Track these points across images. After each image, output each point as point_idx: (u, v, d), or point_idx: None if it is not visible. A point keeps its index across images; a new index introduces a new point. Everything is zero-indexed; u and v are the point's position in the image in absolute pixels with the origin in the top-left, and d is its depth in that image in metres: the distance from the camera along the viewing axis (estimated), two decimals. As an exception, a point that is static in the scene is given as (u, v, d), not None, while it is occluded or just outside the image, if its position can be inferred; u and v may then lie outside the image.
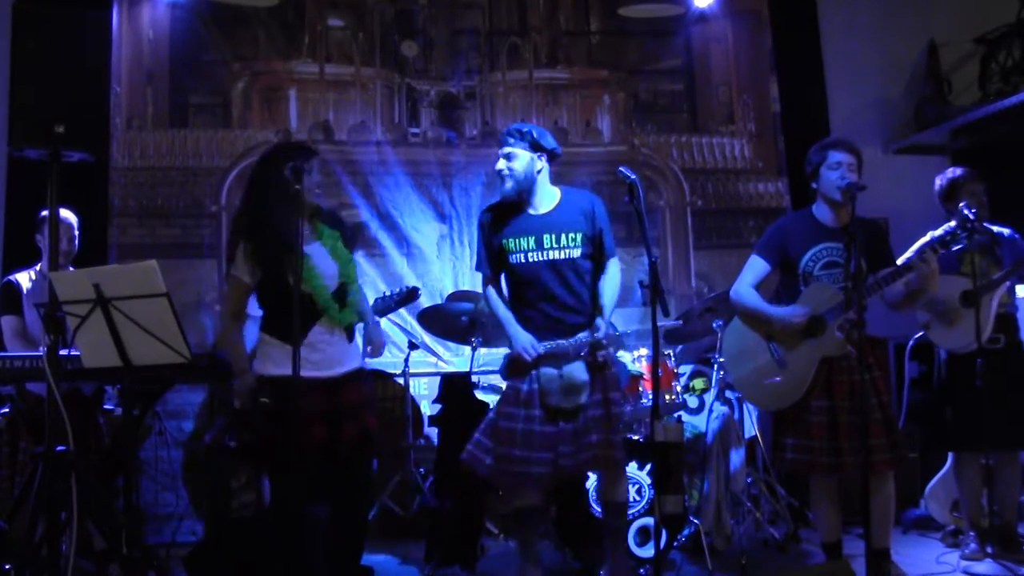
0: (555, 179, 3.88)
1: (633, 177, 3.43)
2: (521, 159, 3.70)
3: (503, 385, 4.92)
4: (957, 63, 6.31)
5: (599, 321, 3.72)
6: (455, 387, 4.69)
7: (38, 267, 4.46)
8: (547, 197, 3.78)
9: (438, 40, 6.18)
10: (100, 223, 5.51)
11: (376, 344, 3.77)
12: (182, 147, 5.81)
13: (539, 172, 3.73)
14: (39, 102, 3.48)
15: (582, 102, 6.29)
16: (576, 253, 3.72)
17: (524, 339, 3.68)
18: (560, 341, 3.68)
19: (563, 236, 3.71)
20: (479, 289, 5.46)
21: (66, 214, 4.36)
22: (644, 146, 6.28)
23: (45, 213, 4.42)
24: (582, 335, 3.69)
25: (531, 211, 3.76)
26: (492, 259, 3.80)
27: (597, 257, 3.79)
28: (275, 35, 5.99)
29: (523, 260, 3.71)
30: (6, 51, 3.62)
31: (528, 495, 3.78)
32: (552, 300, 3.71)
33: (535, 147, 3.71)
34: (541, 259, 3.71)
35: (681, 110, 6.41)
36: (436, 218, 5.98)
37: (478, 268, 3.92)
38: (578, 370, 3.66)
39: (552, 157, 3.77)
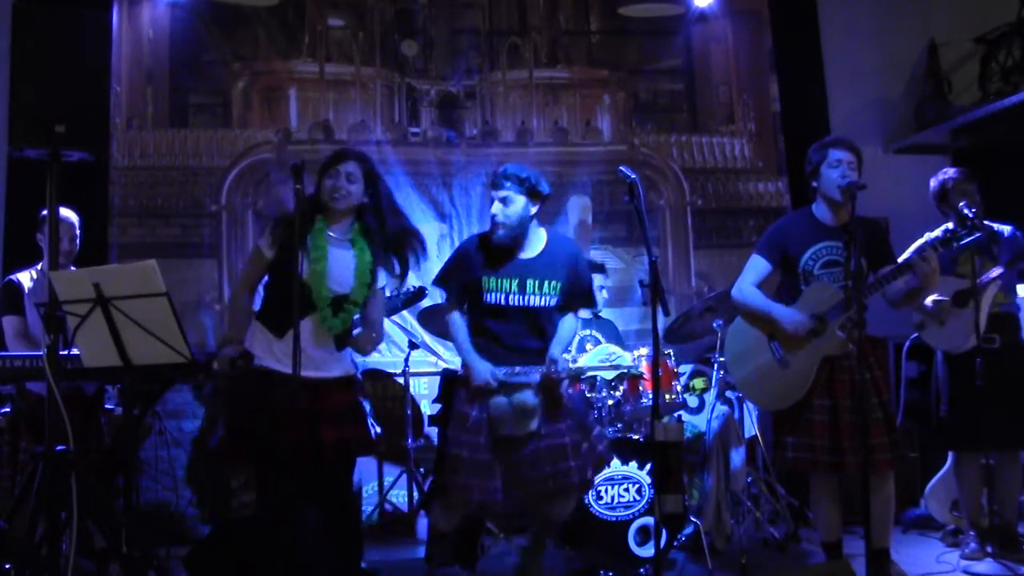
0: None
1: (633, 177, 3.43)
2: (516, 204, 3.68)
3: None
4: (957, 63, 6.31)
5: (554, 353, 3.72)
6: (455, 387, 4.68)
7: (39, 266, 4.45)
8: (535, 241, 3.78)
9: (438, 40, 6.18)
10: (100, 222, 5.50)
11: (364, 341, 3.71)
12: (182, 147, 5.81)
13: (532, 217, 3.74)
14: (39, 101, 3.47)
15: (582, 102, 6.29)
16: (552, 302, 3.75)
17: (484, 370, 3.65)
18: (517, 367, 3.67)
19: (545, 283, 3.72)
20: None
21: (67, 213, 4.36)
22: (644, 146, 6.27)
23: (46, 212, 4.41)
24: (535, 370, 3.69)
25: (518, 253, 3.75)
26: (462, 288, 3.78)
27: (567, 306, 3.82)
28: (275, 35, 6.00)
29: (502, 301, 3.70)
30: (6, 50, 3.61)
31: (452, 519, 3.76)
32: (516, 338, 3.72)
33: (531, 194, 3.70)
34: (520, 303, 3.71)
35: (681, 110, 6.41)
36: (436, 218, 5.98)
37: (440, 284, 3.87)
38: (527, 395, 3.65)
39: (544, 201, 3.79)
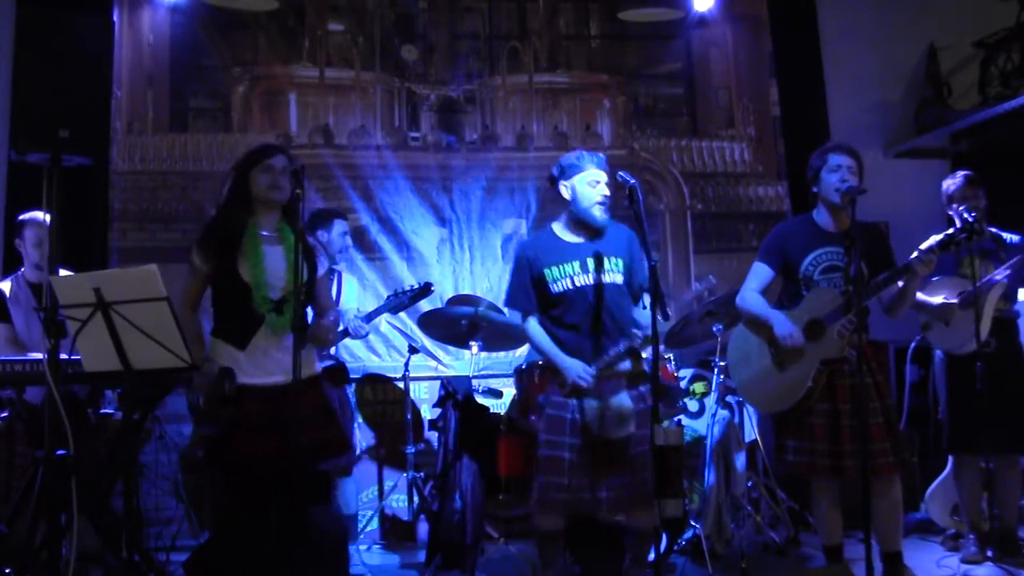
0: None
1: (633, 181, 3.44)
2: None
3: (507, 392, 4.92)
4: (957, 67, 6.31)
5: (635, 331, 3.69)
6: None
7: (21, 272, 4.41)
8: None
9: (438, 44, 6.19)
10: (100, 227, 5.51)
11: (320, 332, 3.61)
12: (182, 151, 5.82)
13: None
14: (41, 106, 3.47)
15: (582, 106, 6.30)
16: (620, 279, 3.76)
17: (576, 367, 3.65)
18: (603, 356, 3.67)
19: (607, 259, 3.74)
20: (480, 293, 5.48)
21: (42, 216, 4.22)
22: (644, 150, 6.28)
23: (22, 217, 4.38)
24: (621, 343, 3.68)
25: (575, 237, 3.79)
26: (532, 290, 3.78)
27: (632, 286, 3.83)
28: (275, 39, 6.00)
29: (570, 285, 3.72)
30: (9, 56, 3.62)
31: (558, 520, 3.76)
32: (592, 321, 3.71)
33: None
34: (587, 283, 3.73)
35: (681, 114, 6.42)
36: (436, 222, 5.98)
37: (511, 304, 3.86)
38: (624, 399, 3.67)
39: None
